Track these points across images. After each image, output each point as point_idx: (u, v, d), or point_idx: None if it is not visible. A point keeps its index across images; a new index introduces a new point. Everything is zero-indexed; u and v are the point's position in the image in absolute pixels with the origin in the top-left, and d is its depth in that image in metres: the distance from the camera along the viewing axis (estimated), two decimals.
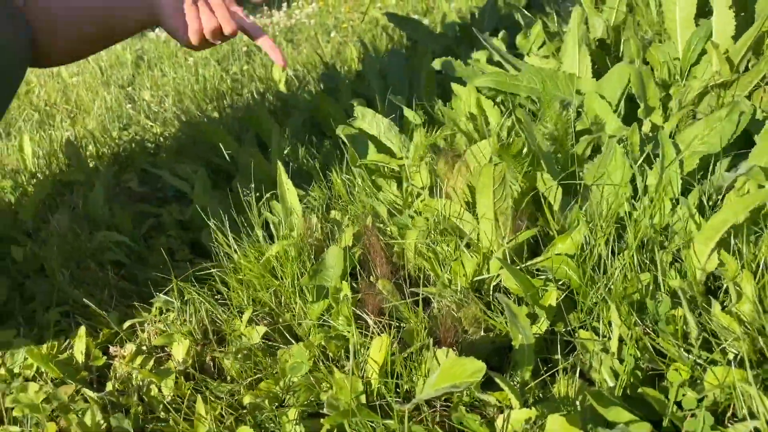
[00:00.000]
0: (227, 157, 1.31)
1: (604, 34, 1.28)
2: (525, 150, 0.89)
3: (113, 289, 0.99)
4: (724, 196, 0.84)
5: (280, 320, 0.85)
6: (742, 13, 1.15)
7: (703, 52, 1.11)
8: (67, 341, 0.88)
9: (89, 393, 0.76)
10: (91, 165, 1.51)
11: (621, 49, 1.26)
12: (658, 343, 0.65)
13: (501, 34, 1.38)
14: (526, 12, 1.56)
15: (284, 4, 3.44)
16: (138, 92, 2.12)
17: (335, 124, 1.30)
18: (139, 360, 0.81)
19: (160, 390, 0.76)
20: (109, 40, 0.98)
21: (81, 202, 1.24)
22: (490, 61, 1.33)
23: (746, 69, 1.09)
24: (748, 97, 1.05)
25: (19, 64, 0.88)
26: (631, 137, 0.88)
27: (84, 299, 0.91)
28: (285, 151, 1.24)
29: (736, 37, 1.06)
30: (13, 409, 0.73)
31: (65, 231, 1.09)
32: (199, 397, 0.70)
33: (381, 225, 0.95)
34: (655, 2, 1.32)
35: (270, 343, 0.81)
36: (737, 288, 0.66)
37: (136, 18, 0.90)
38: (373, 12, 2.53)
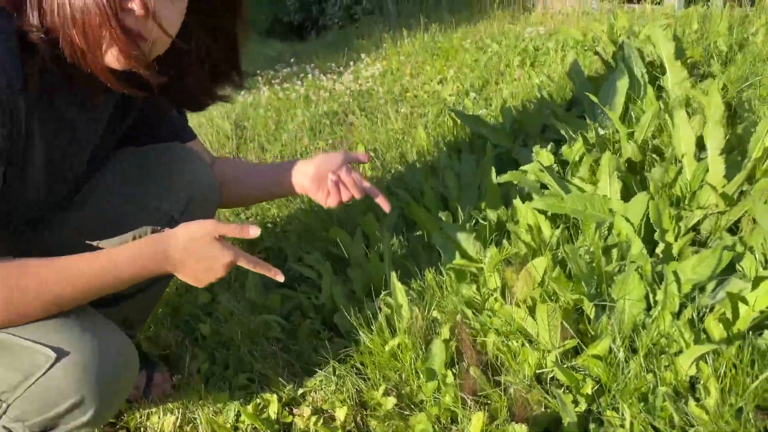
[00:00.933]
0: (341, 245, 1.74)
1: (633, 154, 1.65)
2: (570, 270, 1.29)
3: (279, 359, 1.43)
4: (712, 308, 1.22)
5: (403, 392, 1.27)
6: (737, 151, 1.51)
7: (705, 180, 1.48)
8: (259, 402, 1.32)
9: None
10: None
11: (645, 168, 1.64)
12: (655, 424, 1.04)
13: (549, 146, 1.76)
14: (567, 116, 1.95)
15: (351, 62, 3.88)
16: None
17: (424, 227, 1.71)
18: (313, 419, 1.24)
19: None
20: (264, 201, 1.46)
21: (238, 283, 1.69)
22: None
23: (740, 195, 1.45)
24: (739, 220, 1.42)
25: (214, 210, 1.32)
26: (644, 266, 1.26)
27: (267, 371, 1.35)
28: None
29: (727, 176, 1.42)
30: None
31: (239, 312, 1.53)
32: None
33: (467, 321, 1.35)
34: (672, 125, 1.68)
35: (399, 410, 1.22)
36: (706, 388, 1.04)
37: (291, 193, 1.32)
38: (435, 86, 2.93)
